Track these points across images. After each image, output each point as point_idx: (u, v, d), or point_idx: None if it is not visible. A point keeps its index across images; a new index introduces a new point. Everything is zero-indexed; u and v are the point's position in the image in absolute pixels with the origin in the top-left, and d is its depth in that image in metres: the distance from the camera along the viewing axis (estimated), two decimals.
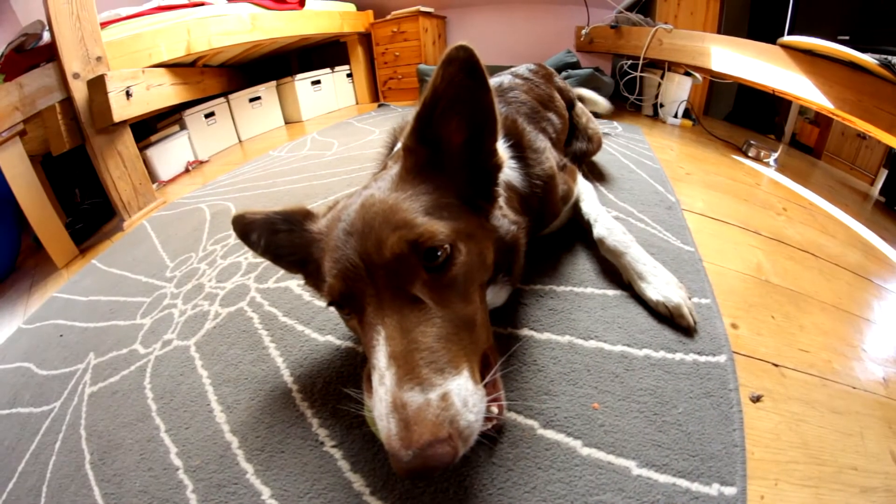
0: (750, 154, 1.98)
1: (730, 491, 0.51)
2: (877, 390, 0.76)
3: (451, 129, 0.57)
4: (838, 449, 0.62)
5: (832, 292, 1.01)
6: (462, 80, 0.53)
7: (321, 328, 0.85)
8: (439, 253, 0.51)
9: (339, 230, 0.54)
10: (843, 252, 1.24)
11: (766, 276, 0.98)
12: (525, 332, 0.75)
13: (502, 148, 0.78)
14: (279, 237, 0.67)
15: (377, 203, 0.54)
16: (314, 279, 0.64)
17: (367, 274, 0.50)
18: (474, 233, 0.57)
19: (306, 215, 0.65)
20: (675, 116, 2.45)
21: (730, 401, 0.62)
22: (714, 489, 0.51)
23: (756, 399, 0.66)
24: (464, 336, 0.49)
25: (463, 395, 0.43)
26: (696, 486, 0.51)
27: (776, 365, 0.73)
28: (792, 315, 0.88)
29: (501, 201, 0.68)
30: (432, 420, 0.40)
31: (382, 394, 0.43)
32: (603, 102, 1.93)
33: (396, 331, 0.46)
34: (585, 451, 0.56)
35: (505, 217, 0.65)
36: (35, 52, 1.73)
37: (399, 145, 0.66)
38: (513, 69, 1.29)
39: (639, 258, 0.82)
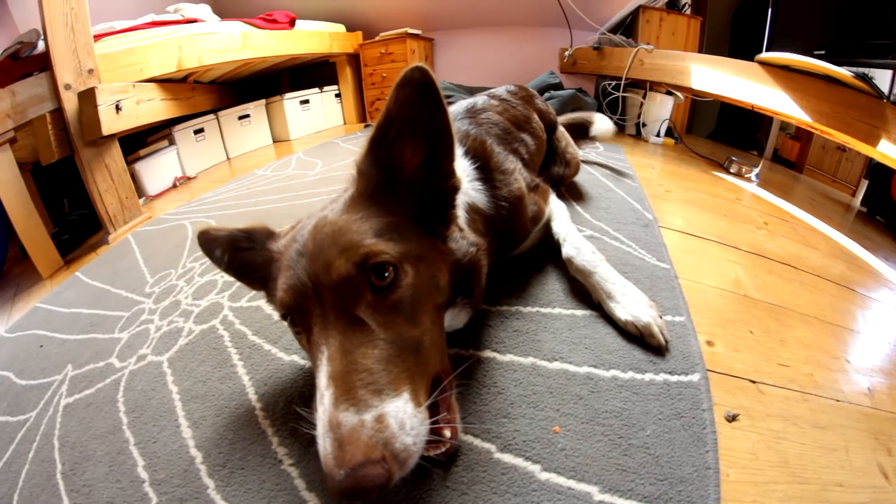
0: (731, 170, 2.00)
1: None
2: (862, 401, 0.75)
3: (407, 150, 0.57)
4: (822, 465, 0.60)
5: (814, 304, 0.99)
6: (416, 102, 0.53)
7: (287, 348, 0.85)
8: (386, 274, 0.51)
9: (293, 250, 0.54)
10: (825, 264, 1.24)
11: (745, 291, 0.97)
12: (487, 353, 0.74)
13: (466, 169, 0.78)
14: (243, 254, 0.67)
15: (328, 225, 0.54)
16: (274, 296, 0.64)
17: (315, 294, 0.50)
18: (425, 255, 0.56)
19: (268, 234, 0.66)
20: (658, 135, 2.49)
21: (703, 421, 0.60)
22: None
23: (732, 418, 0.64)
24: (408, 358, 0.49)
25: (400, 417, 0.43)
26: None
27: (753, 381, 0.72)
28: (772, 329, 0.86)
29: (463, 223, 0.68)
30: (365, 441, 0.40)
31: (321, 413, 0.43)
32: (605, 127, 1.70)
33: (338, 351, 0.46)
34: (544, 475, 0.54)
35: (465, 239, 0.65)
36: (29, 61, 1.73)
37: None
38: (490, 90, 1.29)
39: (608, 277, 0.81)
